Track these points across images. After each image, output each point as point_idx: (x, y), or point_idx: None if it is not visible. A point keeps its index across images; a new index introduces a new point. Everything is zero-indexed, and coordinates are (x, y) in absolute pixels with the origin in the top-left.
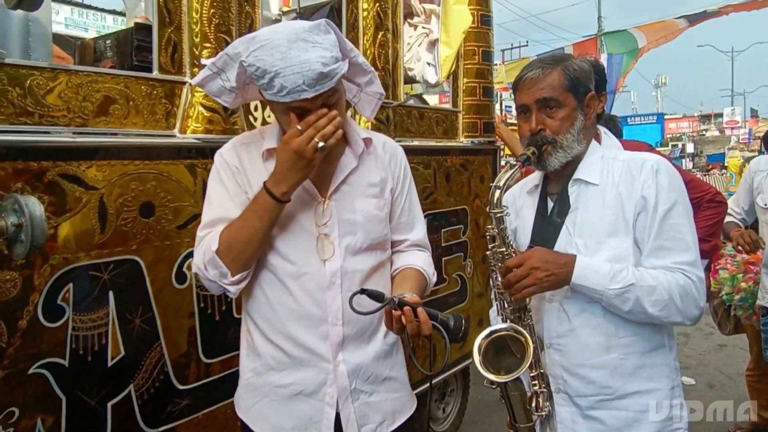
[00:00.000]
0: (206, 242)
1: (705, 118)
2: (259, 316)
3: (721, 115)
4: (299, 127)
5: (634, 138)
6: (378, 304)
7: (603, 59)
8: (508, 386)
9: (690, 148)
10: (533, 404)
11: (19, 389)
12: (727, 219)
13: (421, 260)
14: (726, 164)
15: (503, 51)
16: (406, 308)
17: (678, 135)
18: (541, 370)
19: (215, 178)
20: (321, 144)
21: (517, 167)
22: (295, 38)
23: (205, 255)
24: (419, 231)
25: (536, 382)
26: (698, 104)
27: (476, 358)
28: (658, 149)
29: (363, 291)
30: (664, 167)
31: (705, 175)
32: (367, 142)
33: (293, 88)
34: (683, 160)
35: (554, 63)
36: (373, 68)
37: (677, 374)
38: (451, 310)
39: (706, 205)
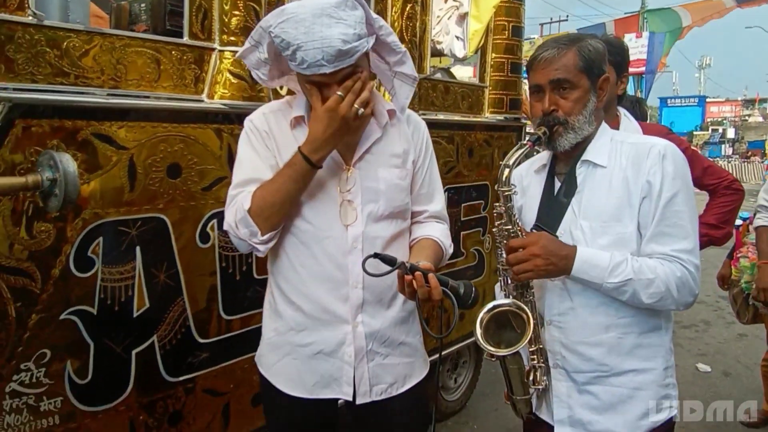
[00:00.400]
0: (238, 201)
1: (749, 102)
2: (282, 277)
3: (766, 100)
4: (340, 93)
5: (673, 120)
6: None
7: (645, 37)
8: (507, 359)
9: (731, 133)
10: (530, 378)
11: (51, 333)
12: (764, 222)
13: (439, 231)
14: (765, 151)
15: (542, 25)
16: (417, 273)
17: (719, 119)
18: (540, 346)
19: (245, 142)
20: (361, 110)
21: (528, 146)
22: (320, 13)
23: (237, 213)
24: (438, 203)
25: (535, 357)
26: (742, 88)
27: (478, 331)
28: (696, 133)
29: (376, 255)
30: (671, 153)
31: (745, 162)
32: (391, 113)
33: (313, 62)
34: (723, 146)
35: (569, 43)
36: (405, 49)
37: (671, 355)
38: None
39: (723, 191)
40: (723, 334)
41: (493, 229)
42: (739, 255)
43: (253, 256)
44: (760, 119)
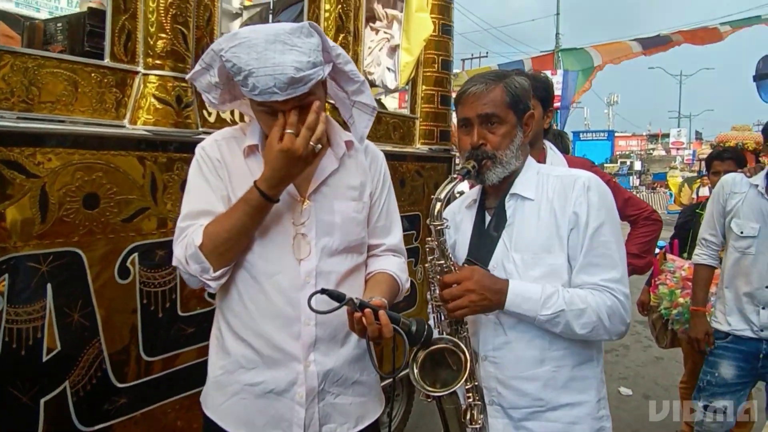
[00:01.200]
0: (189, 236)
1: (653, 137)
2: (231, 313)
3: (668, 135)
4: (290, 131)
5: (585, 153)
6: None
7: (559, 74)
8: (443, 399)
9: (638, 165)
10: (467, 417)
11: None
12: (701, 260)
13: (395, 265)
14: (668, 184)
15: (464, 60)
16: (367, 310)
17: (627, 152)
18: (476, 383)
19: (196, 171)
20: (318, 146)
21: (457, 179)
22: (273, 39)
23: (187, 249)
24: (395, 236)
25: (470, 394)
26: (647, 124)
27: (414, 370)
28: (606, 165)
29: (323, 291)
30: (594, 185)
31: (651, 192)
32: (349, 144)
33: (265, 89)
34: (631, 177)
35: (497, 79)
36: (363, 78)
37: (603, 386)
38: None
39: (643, 222)
40: (641, 357)
41: (426, 265)
42: (657, 282)
43: (177, 291)
44: (663, 153)
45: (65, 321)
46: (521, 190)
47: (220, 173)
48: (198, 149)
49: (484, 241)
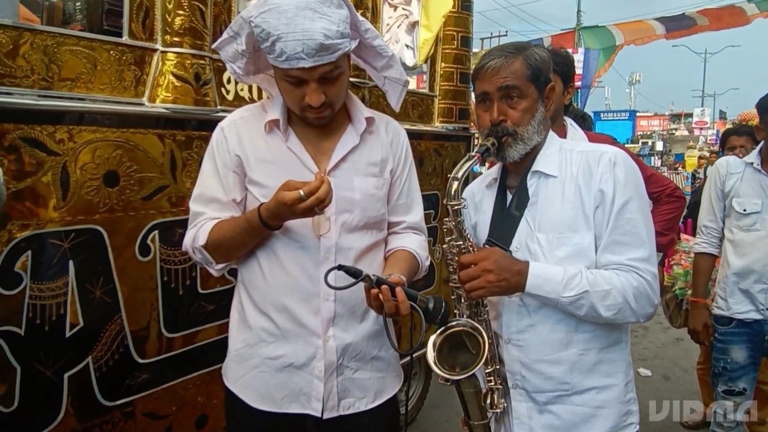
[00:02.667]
0: (197, 229)
1: (675, 117)
2: (253, 288)
3: (691, 115)
4: (302, 194)
5: (606, 133)
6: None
7: (580, 53)
8: (462, 383)
9: (659, 146)
10: (488, 401)
11: None
12: (702, 249)
13: (416, 243)
14: (685, 164)
15: (482, 39)
16: (384, 287)
17: (648, 132)
18: (497, 366)
19: (209, 154)
20: (301, 194)
21: (476, 158)
22: (304, 6)
23: (194, 242)
24: (416, 214)
25: (492, 378)
26: (669, 103)
27: (430, 354)
28: (627, 146)
29: (340, 267)
30: (621, 160)
31: (673, 173)
32: (370, 121)
33: (292, 54)
34: (652, 158)
35: (516, 51)
36: (392, 52)
37: (631, 369)
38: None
39: (666, 199)
40: (661, 338)
41: (444, 246)
42: (672, 262)
43: (197, 269)
44: (686, 133)
45: (87, 297)
46: (543, 167)
47: (232, 160)
48: (217, 130)
49: (506, 221)
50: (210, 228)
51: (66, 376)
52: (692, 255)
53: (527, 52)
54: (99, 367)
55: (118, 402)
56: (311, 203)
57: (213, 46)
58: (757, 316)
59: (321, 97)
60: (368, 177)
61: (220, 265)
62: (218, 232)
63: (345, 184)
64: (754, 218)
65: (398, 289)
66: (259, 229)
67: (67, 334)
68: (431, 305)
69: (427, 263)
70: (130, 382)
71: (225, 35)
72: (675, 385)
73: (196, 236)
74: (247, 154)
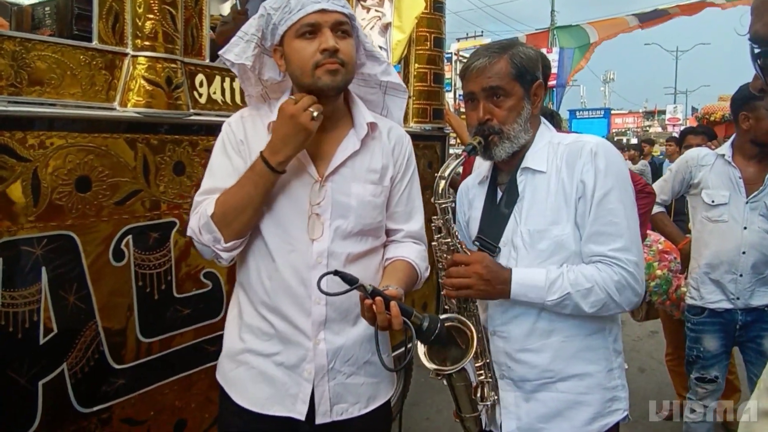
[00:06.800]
0: (203, 207)
1: (649, 114)
2: (250, 288)
3: (664, 112)
4: (294, 97)
5: (582, 131)
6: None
7: (555, 52)
8: (453, 377)
9: (634, 142)
10: (478, 394)
11: None
12: (656, 209)
13: (415, 253)
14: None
15: (458, 40)
16: (378, 298)
17: (623, 130)
18: (487, 360)
19: (220, 148)
20: (315, 113)
21: (462, 157)
22: None
23: (200, 219)
24: (416, 222)
25: (482, 372)
26: (643, 101)
27: (421, 349)
28: None
29: (336, 272)
30: (602, 150)
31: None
32: (373, 126)
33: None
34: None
35: (501, 51)
36: (387, 61)
37: (616, 356)
38: (413, 309)
39: (636, 195)
40: (636, 331)
41: (433, 243)
42: None
43: (173, 273)
44: (660, 129)
45: (61, 304)
46: (532, 162)
47: (242, 151)
48: (225, 126)
49: (495, 218)
50: (215, 198)
51: (41, 383)
52: (654, 248)
53: (513, 51)
54: (74, 374)
55: (95, 408)
56: (303, 103)
57: (219, 53)
58: (728, 306)
59: (336, 43)
60: (367, 184)
61: (230, 243)
62: (224, 196)
63: (342, 189)
64: (721, 210)
65: (393, 303)
66: (263, 175)
67: (41, 341)
68: (425, 324)
69: (426, 274)
70: (107, 388)
71: (233, 39)
72: (650, 377)
73: (201, 212)
74: (251, 147)
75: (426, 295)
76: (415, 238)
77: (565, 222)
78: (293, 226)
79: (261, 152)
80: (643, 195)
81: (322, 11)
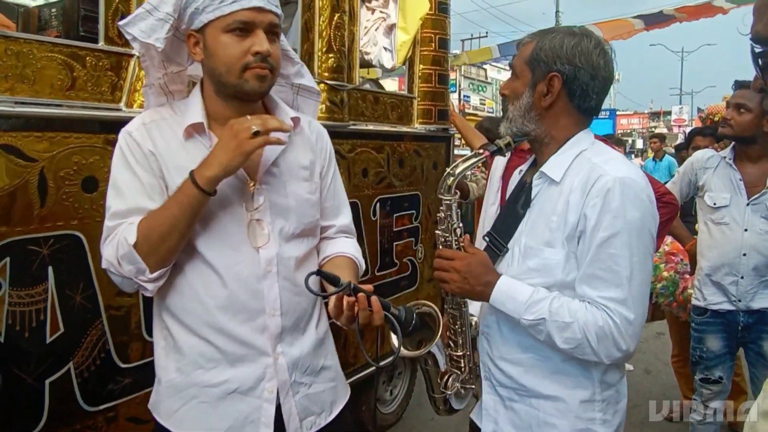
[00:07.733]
0: (120, 234)
1: (655, 115)
2: (183, 310)
3: (669, 113)
4: (248, 117)
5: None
6: (333, 288)
7: None
8: (422, 359)
9: (639, 144)
10: (442, 381)
11: None
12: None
13: (351, 247)
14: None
15: (463, 41)
16: (361, 295)
17: (629, 131)
18: (467, 352)
19: (122, 162)
20: (255, 129)
21: (484, 155)
22: None
23: (119, 248)
24: (346, 216)
25: (462, 362)
26: (649, 102)
27: (394, 336)
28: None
29: (319, 272)
30: (620, 187)
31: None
32: (296, 121)
33: None
34: (632, 156)
35: (535, 36)
36: (301, 62)
37: (604, 389)
38: (401, 294)
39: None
40: (642, 333)
41: (437, 231)
42: None
43: None
44: (665, 130)
45: (68, 303)
46: (548, 169)
47: (151, 164)
48: (122, 135)
49: (511, 216)
50: (136, 225)
51: (47, 382)
52: (660, 249)
53: (542, 38)
54: (81, 373)
55: (101, 407)
56: (254, 121)
57: (120, 24)
58: (730, 307)
59: (269, 47)
60: (300, 181)
61: (156, 273)
62: (147, 222)
63: (278, 190)
64: (723, 212)
65: (374, 298)
66: (190, 196)
67: (48, 340)
68: (403, 315)
69: (363, 267)
70: (113, 386)
71: (139, 11)
72: (656, 378)
73: (120, 241)
74: (164, 158)
75: (430, 296)
76: (346, 233)
77: (560, 247)
78: (233, 236)
79: (191, 172)
80: (661, 204)
81: (259, 9)
